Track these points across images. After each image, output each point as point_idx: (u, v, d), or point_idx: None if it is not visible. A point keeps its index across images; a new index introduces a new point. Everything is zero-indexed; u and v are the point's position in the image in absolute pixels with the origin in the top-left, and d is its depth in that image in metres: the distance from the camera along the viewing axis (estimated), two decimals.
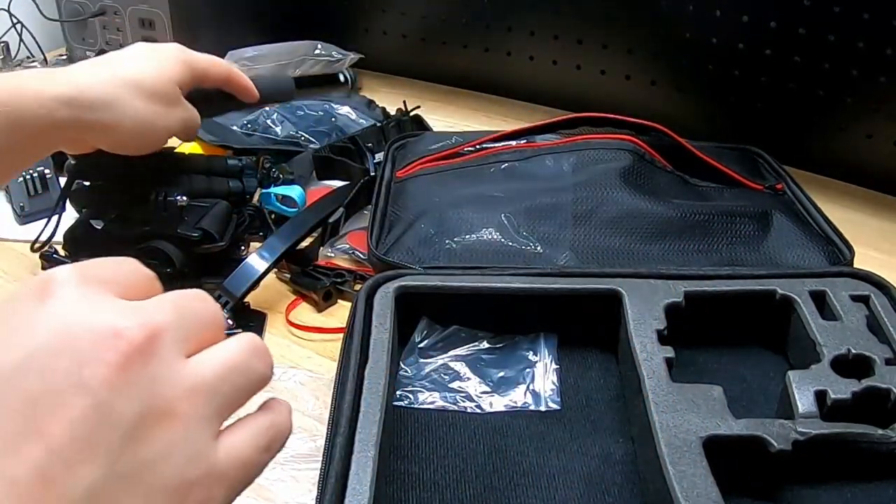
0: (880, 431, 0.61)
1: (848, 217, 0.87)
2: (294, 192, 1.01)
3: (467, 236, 0.84)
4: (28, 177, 1.06)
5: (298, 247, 0.92)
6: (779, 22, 1.07)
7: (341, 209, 0.96)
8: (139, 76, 0.78)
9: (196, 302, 0.43)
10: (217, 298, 0.84)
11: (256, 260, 0.86)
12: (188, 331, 0.41)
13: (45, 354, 0.36)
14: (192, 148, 1.09)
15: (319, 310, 0.88)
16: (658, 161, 0.95)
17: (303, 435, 0.71)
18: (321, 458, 0.60)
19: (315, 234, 0.94)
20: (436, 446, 0.66)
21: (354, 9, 1.49)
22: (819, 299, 0.72)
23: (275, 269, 0.90)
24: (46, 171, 1.08)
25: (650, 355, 0.66)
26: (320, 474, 0.59)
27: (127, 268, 0.42)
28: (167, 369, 0.38)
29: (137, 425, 0.36)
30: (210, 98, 0.90)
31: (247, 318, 0.87)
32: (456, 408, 0.69)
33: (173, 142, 0.98)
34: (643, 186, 0.90)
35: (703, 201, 0.90)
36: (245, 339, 0.43)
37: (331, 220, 0.95)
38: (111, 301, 0.39)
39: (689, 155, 0.98)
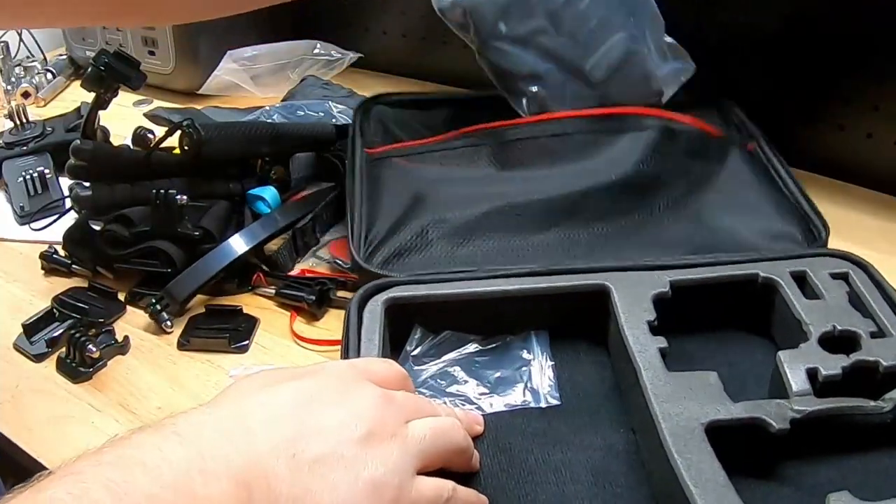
0: (872, 403, 0.63)
1: (848, 217, 0.88)
2: (267, 193, 1.00)
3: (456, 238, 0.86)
4: (28, 177, 1.06)
5: (268, 252, 0.93)
6: (779, 21, 1.07)
7: (309, 216, 0.97)
8: None
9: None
10: (160, 300, 0.85)
11: (207, 263, 0.87)
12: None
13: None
14: None
15: (317, 319, 0.88)
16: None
17: None
18: None
19: (285, 238, 0.95)
20: None
21: (354, 8, 1.48)
22: (800, 280, 0.73)
23: (257, 288, 0.91)
24: (46, 171, 1.08)
25: (644, 347, 0.67)
26: None
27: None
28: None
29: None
30: None
31: (238, 322, 0.87)
32: None
33: (172, 142, 0.98)
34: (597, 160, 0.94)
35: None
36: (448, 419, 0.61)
37: (298, 225, 0.96)
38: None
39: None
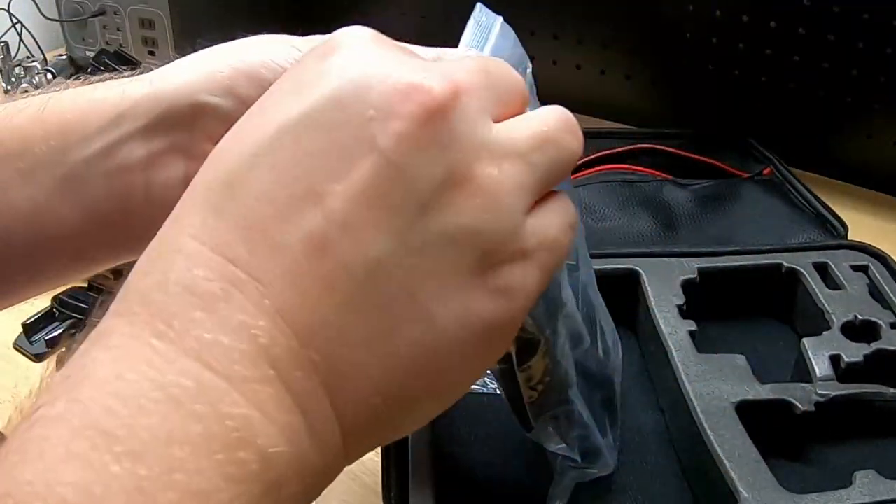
0: (892, 390, 0.64)
1: (848, 217, 0.89)
2: None
3: None
4: None
5: None
6: (779, 22, 1.09)
7: None
8: None
9: (502, 66, 0.38)
10: None
11: None
12: (496, 95, 0.36)
13: (329, 107, 0.32)
14: None
15: None
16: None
17: None
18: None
19: None
20: (474, 425, 0.67)
21: (354, 8, 1.49)
22: (822, 270, 0.75)
23: None
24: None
25: (674, 329, 0.69)
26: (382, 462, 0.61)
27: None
28: (474, 131, 0.33)
29: (436, 191, 0.32)
30: None
31: None
32: (486, 390, 0.71)
33: None
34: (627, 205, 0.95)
35: (694, 197, 0.96)
36: (557, 110, 0.38)
37: None
38: (409, 56, 0.35)
39: (682, 159, 1.03)
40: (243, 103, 0.42)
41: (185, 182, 0.34)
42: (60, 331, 0.85)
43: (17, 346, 0.84)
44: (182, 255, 0.31)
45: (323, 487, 0.33)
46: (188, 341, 0.29)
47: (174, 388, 0.28)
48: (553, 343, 0.48)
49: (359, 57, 0.34)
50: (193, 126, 0.46)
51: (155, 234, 0.33)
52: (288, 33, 1.39)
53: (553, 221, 0.36)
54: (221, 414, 0.28)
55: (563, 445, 0.55)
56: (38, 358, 0.82)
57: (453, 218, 0.32)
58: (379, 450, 0.61)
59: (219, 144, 0.34)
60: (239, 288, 0.30)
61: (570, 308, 0.50)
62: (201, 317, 0.29)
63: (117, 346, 0.30)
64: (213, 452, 0.28)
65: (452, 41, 1.35)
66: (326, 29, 1.31)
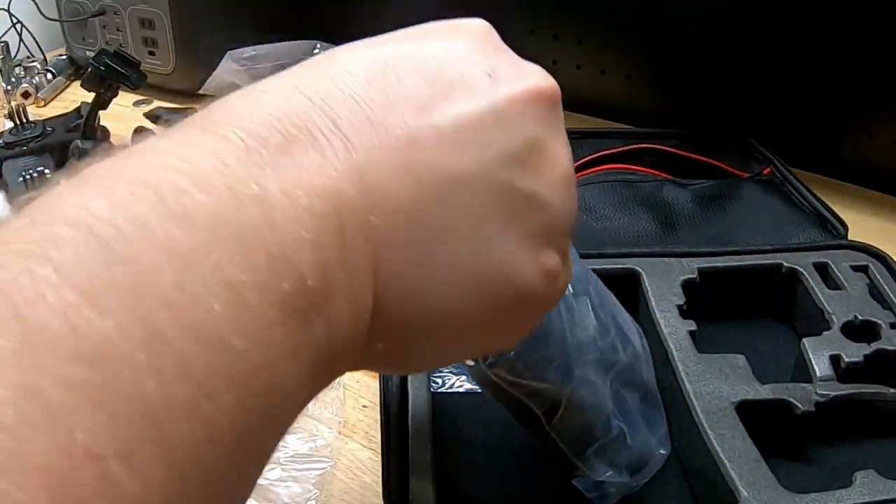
0: (892, 391, 0.65)
1: (848, 217, 0.89)
2: None
3: None
4: (28, 177, 1.05)
5: None
6: (779, 21, 1.08)
7: None
8: None
9: None
10: None
11: None
12: None
13: (462, 53, 0.36)
14: None
15: None
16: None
17: (302, 435, 0.71)
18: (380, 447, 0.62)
19: None
20: (474, 425, 0.67)
21: (354, 9, 1.48)
22: (822, 270, 0.76)
23: None
24: (46, 171, 1.07)
25: (674, 329, 0.69)
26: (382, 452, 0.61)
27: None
28: (562, 124, 0.39)
29: (531, 153, 0.36)
30: None
31: None
32: None
33: None
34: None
35: (693, 197, 0.96)
36: None
37: None
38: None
39: (682, 159, 1.03)
40: None
41: None
42: None
43: None
44: (276, 95, 0.32)
45: (314, 389, 0.31)
46: (261, 157, 0.29)
47: (237, 184, 0.27)
48: (575, 392, 0.50)
49: (491, 40, 0.39)
50: None
51: None
52: (287, 33, 1.38)
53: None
54: (274, 222, 0.27)
55: (610, 472, 0.56)
56: None
57: (538, 181, 0.36)
58: (379, 449, 0.62)
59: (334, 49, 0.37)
60: (327, 137, 0.31)
61: (590, 340, 0.52)
62: (280, 142, 0.29)
63: (189, 142, 0.29)
64: (254, 248, 0.27)
65: None
66: (326, 29, 1.30)
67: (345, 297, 0.30)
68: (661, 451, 0.64)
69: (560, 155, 0.37)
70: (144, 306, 0.24)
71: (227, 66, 1.35)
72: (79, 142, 0.98)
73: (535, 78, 0.37)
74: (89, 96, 1.06)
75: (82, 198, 0.25)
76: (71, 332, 0.22)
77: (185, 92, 1.40)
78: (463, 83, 0.35)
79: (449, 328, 0.36)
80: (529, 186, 0.36)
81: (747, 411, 0.62)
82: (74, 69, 1.49)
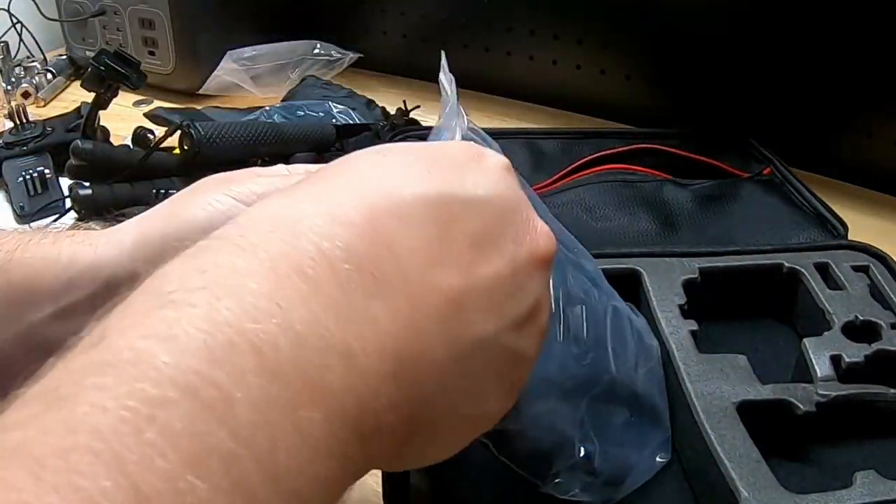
0: (893, 391, 0.64)
1: (848, 217, 0.89)
2: None
3: None
4: (28, 177, 1.05)
5: None
6: (779, 21, 1.09)
7: None
8: None
9: None
10: None
11: None
12: None
13: (492, 205, 0.39)
14: None
15: None
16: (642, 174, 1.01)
17: None
18: None
19: None
20: None
21: (354, 9, 1.49)
22: (823, 271, 0.75)
23: None
24: (46, 171, 1.07)
25: (675, 329, 0.69)
26: None
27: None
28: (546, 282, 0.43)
29: (529, 311, 0.40)
30: None
31: None
32: None
33: (172, 142, 0.98)
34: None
35: (693, 197, 0.96)
36: None
37: None
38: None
39: (682, 159, 1.03)
40: None
41: None
42: None
43: None
44: (351, 231, 0.34)
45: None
46: (341, 308, 0.31)
47: (323, 340, 0.30)
48: (524, 428, 0.53)
49: (509, 179, 0.42)
50: None
51: None
52: (287, 33, 1.38)
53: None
54: (351, 377, 0.30)
55: (576, 491, 0.57)
56: None
57: (529, 342, 0.41)
58: None
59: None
60: (395, 288, 0.34)
61: (557, 372, 0.54)
62: (357, 289, 0.32)
63: (281, 284, 0.31)
64: (333, 402, 0.30)
65: (451, 42, 1.35)
66: (326, 29, 1.30)
67: (389, 434, 0.33)
68: (659, 459, 0.64)
69: (545, 310, 0.43)
70: (240, 468, 0.26)
71: (227, 66, 1.35)
72: (79, 142, 0.98)
73: (543, 240, 0.41)
74: (89, 96, 1.06)
75: (181, 347, 0.27)
76: (176, 498, 0.24)
77: (185, 92, 1.40)
78: (494, 246, 0.38)
79: (435, 449, 0.41)
80: (523, 346, 0.41)
81: (748, 411, 0.62)
82: (74, 69, 1.49)
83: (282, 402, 0.27)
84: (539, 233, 0.41)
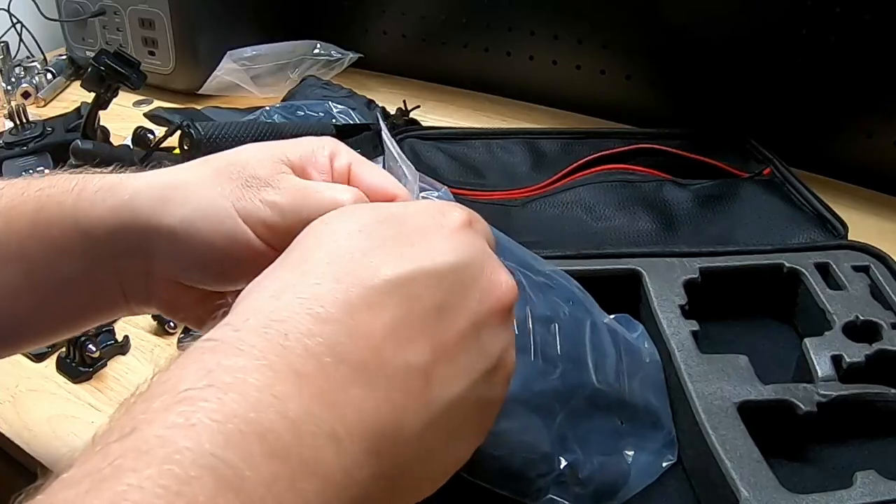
0: (893, 391, 0.65)
1: (848, 217, 0.89)
2: None
3: None
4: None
5: None
6: (780, 22, 1.08)
7: None
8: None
9: None
10: None
11: None
12: None
13: (456, 271, 0.42)
14: None
15: None
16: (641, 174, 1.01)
17: None
18: None
19: None
20: None
21: (354, 9, 1.49)
22: (823, 271, 0.76)
23: None
24: (47, 171, 1.06)
25: (676, 329, 0.69)
26: None
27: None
28: (510, 328, 0.46)
29: (496, 363, 0.43)
30: None
31: None
32: None
33: (172, 142, 0.98)
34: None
35: (693, 197, 0.97)
36: None
37: None
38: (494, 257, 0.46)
39: (682, 160, 1.03)
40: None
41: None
42: None
43: None
44: (328, 326, 0.37)
45: None
46: (331, 398, 0.36)
47: (317, 427, 0.35)
48: (485, 448, 0.52)
49: (474, 239, 0.45)
50: (148, 249, 0.52)
51: None
52: (287, 33, 1.38)
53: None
54: (341, 457, 0.35)
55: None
56: (37, 358, 0.81)
57: (497, 390, 0.45)
58: None
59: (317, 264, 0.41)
60: (375, 375, 0.38)
61: (526, 385, 0.56)
62: (341, 380, 0.36)
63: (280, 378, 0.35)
64: (325, 479, 0.34)
65: (451, 42, 1.34)
66: (326, 29, 1.30)
67: (376, 495, 0.37)
68: (665, 463, 0.64)
69: (511, 361, 0.45)
70: None
71: (227, 66, 1.35)
72: (79, 142, 0.98)
73: (504, 293, 0.44)
74: (89, 96, 1.06)
75: (199, 434, 0.31)
76: None
77: (185, 92, 1.40)
78: (458, 311, 0.41)
79: (416, 494, 0.43)
80: (493, 395, 0.44)
81: (749, 411, 0.62)
82: (74, 69, 1.49)
83: (284, 477, 0.32)
84: (502, 288, 0.44)
